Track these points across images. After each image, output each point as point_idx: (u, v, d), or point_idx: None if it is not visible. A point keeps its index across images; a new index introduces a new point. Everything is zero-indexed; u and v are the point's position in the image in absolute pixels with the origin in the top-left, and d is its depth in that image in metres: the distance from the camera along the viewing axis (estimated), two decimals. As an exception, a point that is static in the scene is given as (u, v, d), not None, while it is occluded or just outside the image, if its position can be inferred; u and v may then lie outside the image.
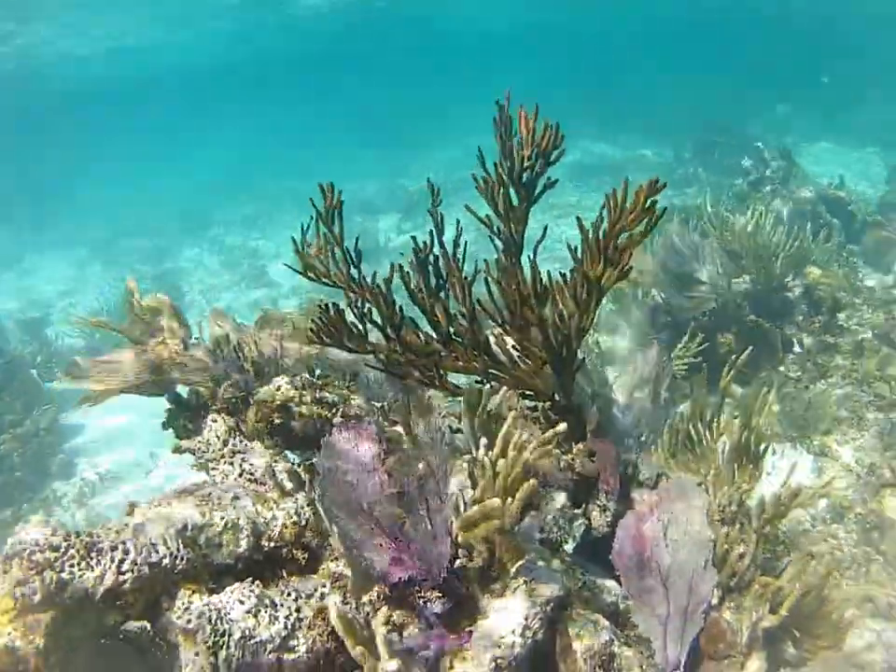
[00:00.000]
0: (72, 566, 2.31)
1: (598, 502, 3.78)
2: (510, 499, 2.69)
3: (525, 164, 3.47)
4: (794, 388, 7.65)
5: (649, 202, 2.99)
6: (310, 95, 53.88)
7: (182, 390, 3.80)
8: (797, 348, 8.28)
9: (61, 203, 29.25)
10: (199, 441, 3.35)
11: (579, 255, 3.25)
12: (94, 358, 4.00)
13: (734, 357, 4.50)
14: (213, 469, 3.22)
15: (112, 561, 2.36)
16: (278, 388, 3.62)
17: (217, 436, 3.30)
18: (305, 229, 3.63)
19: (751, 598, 3.69)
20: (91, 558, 2.34)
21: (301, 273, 3.58)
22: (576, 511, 3.70)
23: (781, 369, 7.99)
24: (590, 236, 3.13)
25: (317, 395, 3.74)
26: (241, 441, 3.31)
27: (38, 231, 25.06)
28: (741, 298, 8.09)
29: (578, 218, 3.11)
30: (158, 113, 50.90)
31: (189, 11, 26.59)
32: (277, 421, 3.52)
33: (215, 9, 27.06)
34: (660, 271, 7.97)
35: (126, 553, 2.39)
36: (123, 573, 2.36)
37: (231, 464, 3.17)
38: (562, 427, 3.11)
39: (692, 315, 7.67)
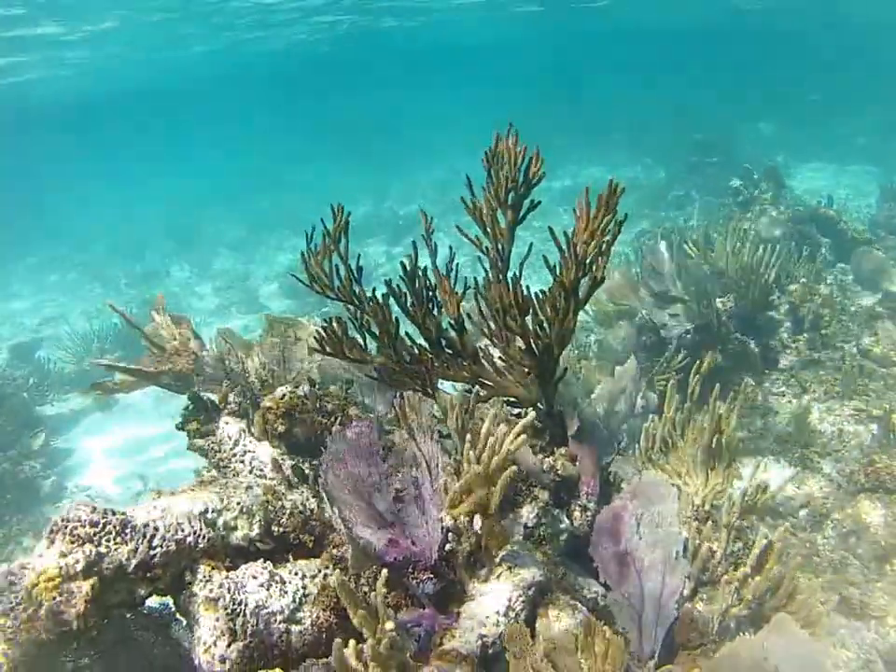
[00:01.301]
0: (108, 540, 2.72)
1: (579, 503, 4.18)
2: (492, 487, 3.10)
3: (510, 186, 3.92)
4: (777, 403, 8.09)
5: (610, 203, 3.41)
6: (296, 117, 54.50)
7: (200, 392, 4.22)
8: (781, 364, 8.72)
9: (46, 224, 29.62)
10: (212, 441, 3.76)
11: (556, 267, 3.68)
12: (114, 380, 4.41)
13: (701, 365, 4.92)
14: (225, 466, 3.63)
15: (144, 537, 2.77)
16: (282, 397, 4.03)
17: (229, 436, 3.71)
18: (313, 244, 4.00)
19: (722, 590, 4.07)
20: (126, 534, 2.75)
21: (307, 285, 3.96)
22: (558, 510, 4.09)
23: (766, 385, 8.42)
24: (563, 244, 3.55)
25: (318, 404, 4.15)
26: (250, 442, 3.72)
27: (24, 253, 25.40)
28: (726, 316, 8.53)
29: (550, 228, 3.51)
30: (142, 136, 51.40)
31: (175, 31, 27.03)
32: (281, 428, 3.93)
33: (201, 29, 27.52)
34: (644, 292, 8.43)
35: (156, 530, 2.80)
36: (153, 548, 2.77)
37: (242, 461, 3.58)
38: (530, 416, 3.48)
39: (676, 333, 8.09)
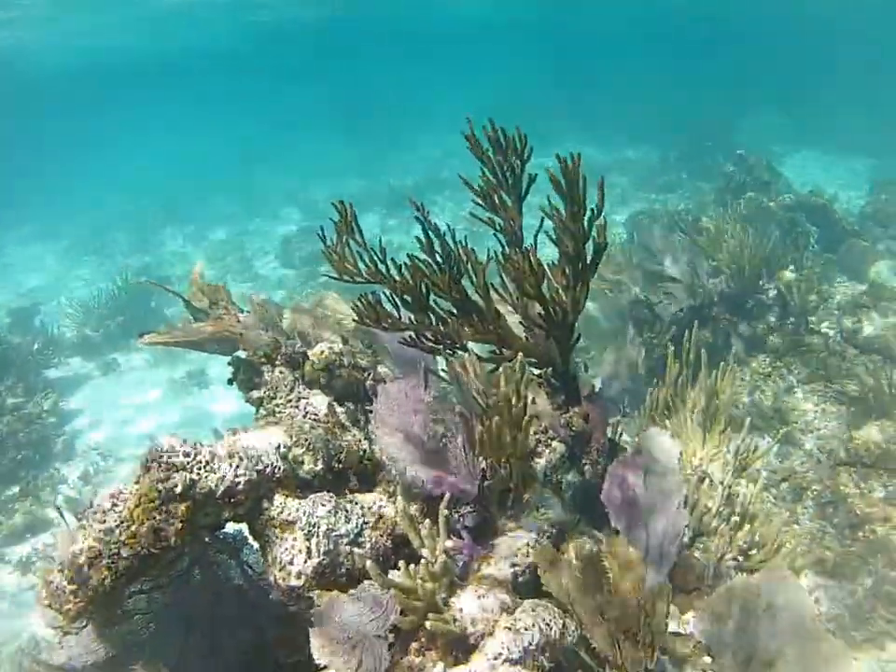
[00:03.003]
0: (199, 468, 3.18)
1: (591, 457, 4.67)
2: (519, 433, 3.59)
3: (505, 168, 4.38)
4: (764, 383, 8.63)
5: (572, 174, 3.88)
6: (293, 90, 54.56)
7: (242, 353, 4.65)
8: (768, 346, 9.25)
9: (40, 194, 29.75)
10: (267, 390, 4.22)
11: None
12: (163, 331, 4.84)
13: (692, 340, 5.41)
14: (279, 412, 4.08)
15: (230, 466, 3.23)
16: (321, 353, 4.49)
17: (284, 384, 4.16)
18: (329, 241, 4.43)
19: (717, 540, 4.58)
20: (214, 464, 3.21)
21: (338, 279, 4.41)
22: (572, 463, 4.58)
23: (753, 365, 8.96)
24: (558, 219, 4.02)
25: (353, 360, 4.62)
26: (303, 389, 4.18)
27: (18, 223, 25.61)
28: (717, 297, 9.04)
29: (548, 198, 3.97)
30: (137, 106, 51.32)
31: (173, 5, 27.26)
32: (322, 381, 4.40)
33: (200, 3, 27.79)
34: (638, 270, 8.94)
35: (241, 460, 3.27)
36: (238, 477, 3.24)
37: (297, 407, 4.04)
38: (548, 371, 3.96)
39: (669, 311, 8.59)
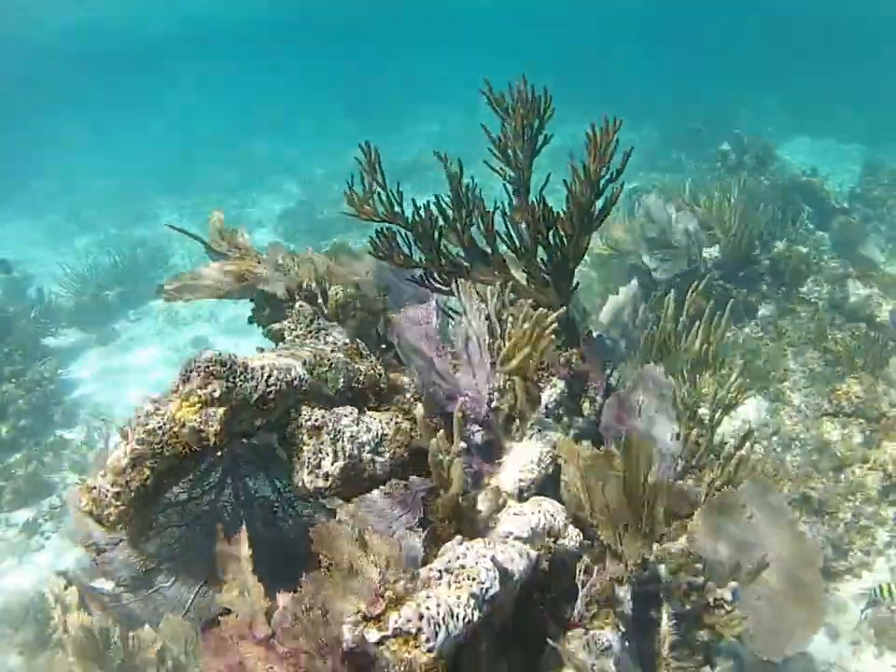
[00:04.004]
0: (234, 377, 3.55)
1: (588, 395, 5.05)
2: (535, 350, 3.98)
3: (525, 123, 4.77)
4: (755, 345, 9.07)
5: (611, 131, 4.30)
6: (293, 64, 54.58)
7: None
8: (761, 313, 9.69)
9: (30, 168, 29.85)
10: (288, 322, 4.58)
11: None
12: (186, 272, 5.19)
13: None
14: (301, 343, 4.45)
15: (262, 377, 3.60)
16: (337, 294, 4.88)
17: (304, 317, 4.53)
18: (351, 183, 4.83)
19: (707, 469, 4.97)
20: (248, 374, 3.57)
21: (354, 217, 4.81)
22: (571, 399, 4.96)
23: (745, 330, 9.41)
24: (580, 172, 4.43)
25: (365, 304, 5.01)
26: (323, 322, 4.55)
27: (6, 197, 25.73)
28: (712, 265, 9.46)
29: (569, 155, 4.40)
30: (135, 76, 51.22)
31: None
32: (339, 317, 4.79)
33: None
34: (639, 237, 9.36)
35: (272, 371, 3.64)
36: (269, 386, 3.60)
37: (317, 338, 4.41)
38: (563, 310, 4.36)
39: (665, 277, 9.01)
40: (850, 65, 32.55)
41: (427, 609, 2.50)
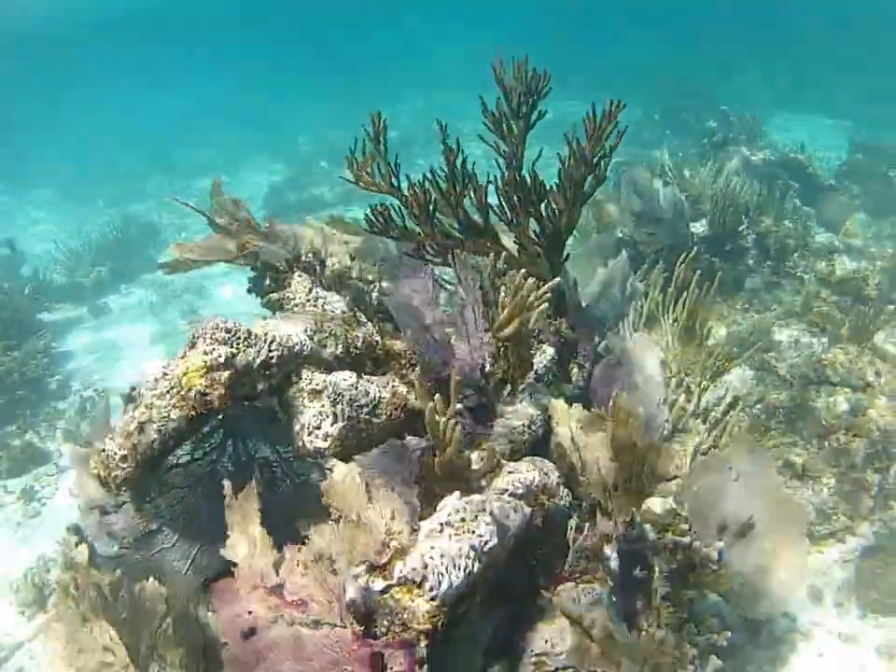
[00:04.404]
0: (238, 343, 3.67)
1: (577, 362, 5.19)
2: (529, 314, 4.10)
3: (521, 100, 4.89)
4: (741, 318, 9.23)
5: (613, 114, 4.42)
6: (277, 45, 54.32)
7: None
8: (747, 286, 9.84)
9: (18, 144, 29.75)
10: (287, 292, 4.70)
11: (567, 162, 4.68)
12: (190, 242, 5.30)
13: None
14: (301, 312, 4.57)
15: (265, 342, 3.72)
16: (333, 264, 5.00)
17: (303, 286, 4.65)
18: (353, 149, 4.94)
19: (693, 433, 5.12)
20: (251, 340, 3.70)
21: (353, 183, 4.92)
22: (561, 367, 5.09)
23: (731, 302, 9.56)
24: (574, 147, 4.55)
25: (360, 274, 5.13)
26: (321, 291, 4.67)
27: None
28: (698, 239, 9.59)
29: (565, 135, 4.53)
30: (123, 54, 50.90)
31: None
32: (335, 288, 4.91)
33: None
34: (625, 211, 9.48)
35: (273, 338, 3.76)
36: (271, 351, 3.73)
37: (315, 306, 4.53)
38: (557, 280, 4.48)
39: (652, 249, 9.14)
40: (836, 41, 32.58)
41: (431, 559, 2.63)
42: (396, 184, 4.94)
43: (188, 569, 4.13)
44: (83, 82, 46.31)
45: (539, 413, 4.27)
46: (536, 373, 4.74)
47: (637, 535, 4.33)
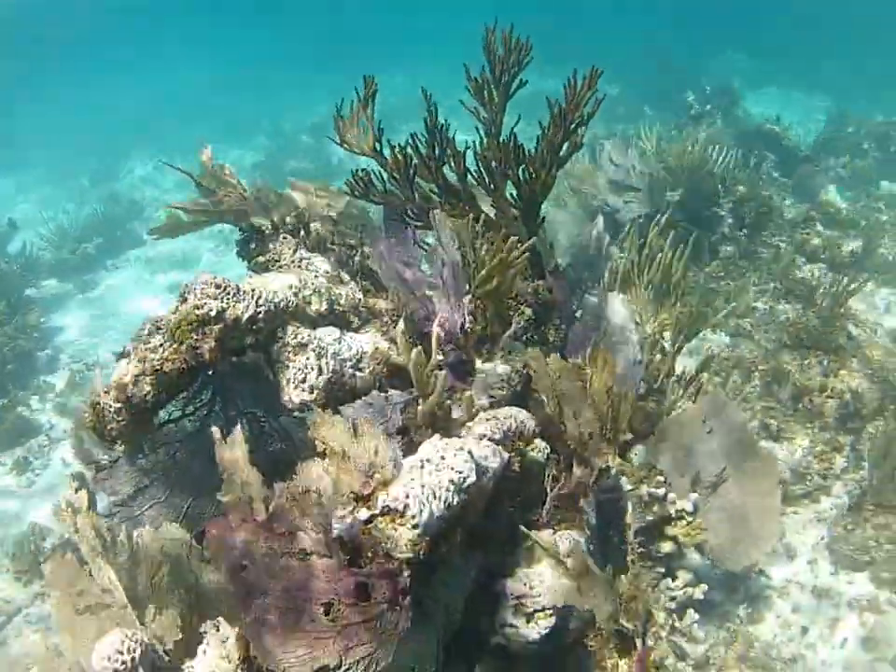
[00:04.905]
0: (227, 298, 3.80)
1: (554, 323, 5.32)
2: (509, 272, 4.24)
3: (504, 68, 5.02)
4: (717, 285, 9.39)
5: (592, 81, 4.56)
6: (257, 19, 53.88)
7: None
8: (722, 254, 9.99)
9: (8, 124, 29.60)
10: (272, 254, 4.83)
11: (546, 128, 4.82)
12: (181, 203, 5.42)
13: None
14: (287, 271, 4.69)
15: (252, 298, 3.86)
16: (317, 229, 5.13)
17: (288, 248, 4.77)
18: (340, 107, 5.07)
19: (668, 391, 5.28)
20: (240, 295, 3.83)
21: (338, 144, 5.05)
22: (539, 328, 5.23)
23: (707, 270, 9.71)
24: (555, 112, 4.69)
25: (343, 239, 5.26)
26: (305, 252, 4.80)
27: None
28: (674, 207, 9.73)
29: (547, 98, 4.66)
30: (103, 34, 50.42)
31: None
32: (318, 251, 5.04)
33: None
34: (602, 180, 9.63)
35: (261, 294, 3.89)
36: (259, 307, 3.86)
37: (300, 266, 4.66)
38: (532, 241, 4.62)
39: (629, 217, 9.29)
40: (814, 18, 32.60)
41: (413, 489, 2.78)
42: (378, 148, 5.06)
43: (179, 523, 4.28)
44: (65, 63, 45.94)
45: (517, 369, 4.41)
46: (514, 333, 4.88)
47: (613, 485, 4.50)
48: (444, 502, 2.83)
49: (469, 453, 3.08)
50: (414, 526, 2.74)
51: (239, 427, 3.16)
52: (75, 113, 30.50)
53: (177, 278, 13.74)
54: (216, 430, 3.17)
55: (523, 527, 3.57)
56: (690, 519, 4.95)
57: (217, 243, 14.90)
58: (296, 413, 4.14)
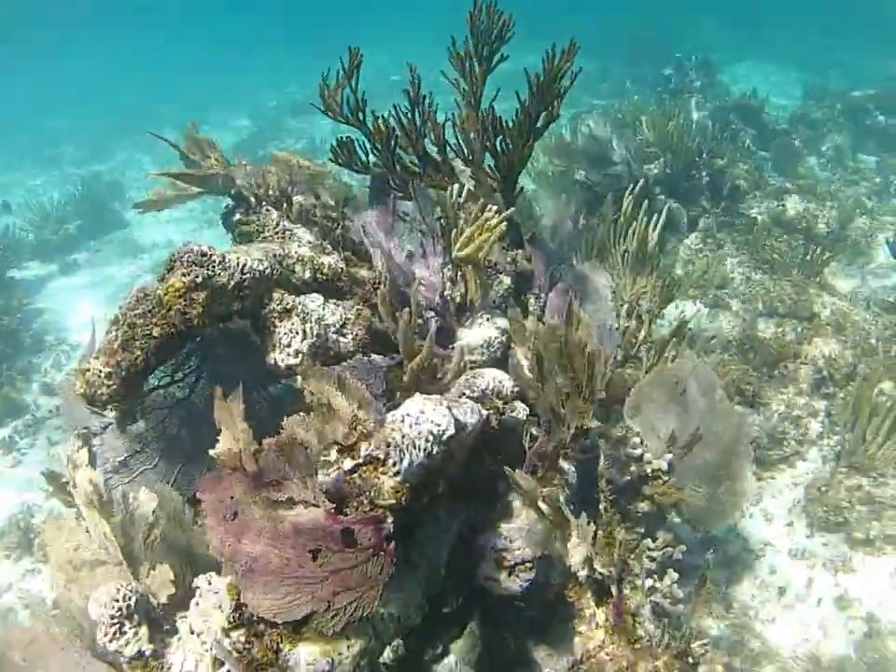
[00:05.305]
0: (213, 266, 3.92)
1: (533, 292, 5.46)
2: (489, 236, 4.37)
3: (485, 41, 5.15)
4: (695, 257, 9.55)
5: (570, 53, 4.69)
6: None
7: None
8: (700, 226, 10.16)
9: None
10: (256, 224, 4.94)
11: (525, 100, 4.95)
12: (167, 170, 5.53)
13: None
14: (271, 241, 4.81)
15: (238, 265, 3.98)
16: (299, 202, 5.25)
17: (272, 219, 4.89)
18: (326, 76, 5.18)
19: (645, 356, 5.42)
20: (225, 263, 3.94)
21: (322, 111, 5.18)
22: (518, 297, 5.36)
23: (686, 241, 9.88)
24: (533, 83, 4.82)
25: (325, 212, 5.38)
26: (289, 223, 4.91)
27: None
28: (653, 180, 9.89)
29: (525, 70, 4.80)
30: (82, 12, 49.96)
31: None
32: (300, 222, 5.16)
33: None
34: (582, 155, 9.77)
35: (246, 261, 4.01)
36: (244, 274, 3.98)
37: (283, 237, 4.77)
38: (511, 210, 4.75)
39: (608, 191, 9.42)
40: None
41: (394, 439, 2.93)
42: (361, 118, 5.19)
43: (171, 485, 4.42)
44: (43, 40, 45.61)
45: (497, 335, 4.54)
46: (494, 301, 5.01)
47: (592, 446, 4.64)
48: (424, 452, 2.97)
49: (448, 408, 3.22)
50: (396, 474, 2.88)
51: (241, 387, 3.29)
52: (52, 93, 30.35)
53: (160, 258, 13.80)
54: (217, 389, 3.30)
55: (506, 468, 3.70)
56: (665, 479, 5.09)
57: (198, 224, 15.01)
58: (282, 380, 4.28)
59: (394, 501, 2.88)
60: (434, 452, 3.03)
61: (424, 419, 3.08)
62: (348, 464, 2.89)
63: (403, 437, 2.95)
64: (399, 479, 2.89)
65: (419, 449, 2.96)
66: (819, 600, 5.73)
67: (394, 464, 2.88)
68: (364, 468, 2.90)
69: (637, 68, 21.15)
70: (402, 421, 3.06)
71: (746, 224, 10.29)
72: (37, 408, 9.91)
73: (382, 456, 2.88)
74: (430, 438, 3.02)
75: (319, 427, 2.93)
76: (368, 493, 2.89)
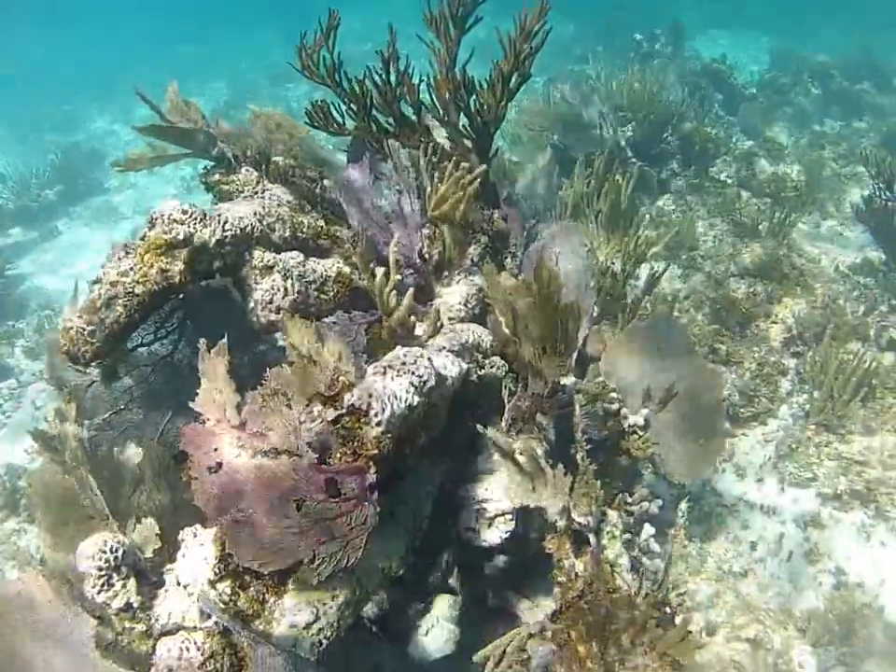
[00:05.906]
0: (194, 223, 3.88)
1: (509, 251, 5.44)
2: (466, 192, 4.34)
3: (461, 2, 5.09)
4: (668, 219, 9.55)
5: (542, 13, 4.66)
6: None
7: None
8: (672, 188, 10.16)
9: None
10: (236, 183, 4.89)
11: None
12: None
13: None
14: (251, 200, 4.76)
15: (219, 222, 3.94)
16: (278, 163, 5.19)
17: (252, 179, 4.84)
18: (304, 37, 5.12)
19: (621, 315, 5.43)
20: (206, 220, 3.91)
21: (299, 71, 5.11)
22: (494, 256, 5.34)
23: (658, 203, 9.88)
24: (506, 44, 4.78)
25: (304, 172, 5.33)
26: (268, 183, 4.87)
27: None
28: (625, 143, 9.87)
29: (497, 28, 4.75)
30: None
31: None
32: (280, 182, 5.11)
33: None
34: (555, 119, 9.73)
35: (227, 219, 3.97)
36: (225, 231, 3.95)
37: (263, 196, 4.73)
38: (483, 167, 4.71)
39: (581, 154, 9.41)
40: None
41: (375, 389, 2.91)
42: (338, 79, 5.13)
43: (157, 439, 4.39)
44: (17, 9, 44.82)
45: (474, 292, 4.53)
46: (471, 260, 4.99)
47: (569, 401, 4.64)
48: (405, 402, 2.96)
49: (430, 359, 3.21)
50: (378, 423, 2.87)
51: (224, 340, 3.25)
52: (29, 63, 29.92)
53: (140, 223, 13.70)
54: (202, 342, 3.27)
55: (479, 426, 3.70)
56: (641, 433, 5.11)
57: (177, 192, 14.87)
58: (265, 338, 4.26)
59: (377, 451, 2.87)
60: (415, 403, 3.02)
61: (405, 370, 3.07)
62: (331, 414, 2.87)
63: (385, 388, 2.94)
64: (381, 429, 2.88)
65: (400, 400, 2.95)
66: (789, 554, 5.76)
67: (376, 414, 2.86)
68: (347, 418, 2.89)
69: (608, 32, 21.01)
70: (384, 373, 3.05)
71: (716, 187, 10.30)
72: (21, 372, 9.82)
73: (364, 407, 2.87)
74: (411, 389, 3.01)
75: (302, 378, 2.90)
76: (351, 443, 2.87)
